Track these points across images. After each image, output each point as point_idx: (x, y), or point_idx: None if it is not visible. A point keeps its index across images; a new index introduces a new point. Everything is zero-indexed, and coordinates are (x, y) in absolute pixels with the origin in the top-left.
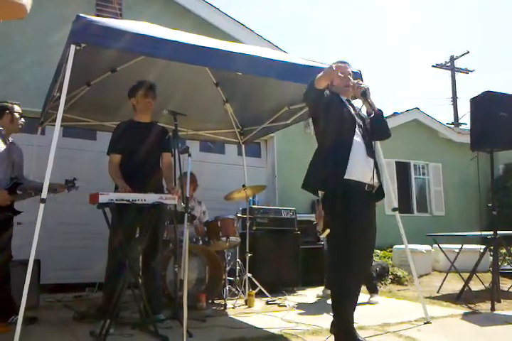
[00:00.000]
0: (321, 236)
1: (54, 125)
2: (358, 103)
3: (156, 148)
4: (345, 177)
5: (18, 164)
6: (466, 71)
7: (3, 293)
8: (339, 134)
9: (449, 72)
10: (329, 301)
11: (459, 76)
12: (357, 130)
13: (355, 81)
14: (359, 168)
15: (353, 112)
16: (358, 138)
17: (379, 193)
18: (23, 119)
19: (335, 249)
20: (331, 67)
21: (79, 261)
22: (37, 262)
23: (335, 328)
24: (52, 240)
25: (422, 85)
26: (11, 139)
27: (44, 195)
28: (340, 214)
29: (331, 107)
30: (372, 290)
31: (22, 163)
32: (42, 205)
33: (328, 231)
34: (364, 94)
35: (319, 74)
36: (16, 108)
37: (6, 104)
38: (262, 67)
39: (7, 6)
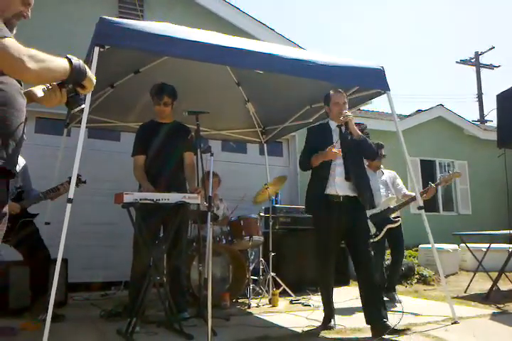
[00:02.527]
0: (373, 241)
1: (79, 126)
2: None
3: (179, 148)
4: (325, 192)
5: (21, 175)
6: (492, 67)
7: (42, 291)
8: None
9: (474, 68)
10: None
11: (484, 72)
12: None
13: (344, 111)
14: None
15: (335, 139)
16: (338, 160)
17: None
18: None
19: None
20: (334, 152)
21: (105, 260)
22: (64, 261)
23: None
24: (79, 240)
25: (446, 82)
26: None
27: (71, 194)
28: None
29: (318, 137)
30: (390, 289)
31: (26, 173)
32: (69, 205)
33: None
34: (346, 124)
35: (320, 156)
36: None
37: None
38: (283, 65)
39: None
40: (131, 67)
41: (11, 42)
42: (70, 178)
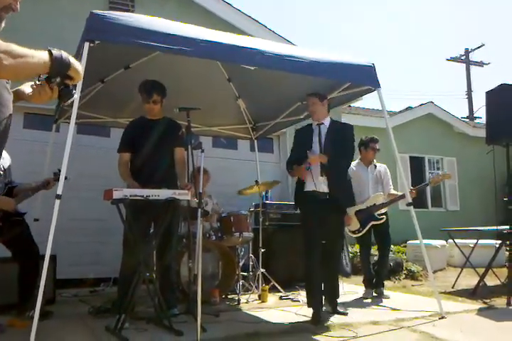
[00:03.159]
0: (355, 236)
1: (68, 122)
2: None
3: (168, 143)
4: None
5: (7, 169)
6: (481, 64)
7: (31, 287)
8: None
9: (464, 65)
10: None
11: (474, 69)
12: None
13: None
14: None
15: (315, 139)
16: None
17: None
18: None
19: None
20: (303, 170)
21: (94, 257)
22: (53, 257)
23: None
24: (67, 236)
25: (436, 79)
26: None
27: (60, 191)
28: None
29: (302, 138)
30: (379, 285)
31: (10, 168)
32: (57, 201)
33: (364, 231)
34: None
35: (295, 171)
36: None
37: None
38: (274, 60)
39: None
40: (122, 63)
41: None
42: (54, 173)
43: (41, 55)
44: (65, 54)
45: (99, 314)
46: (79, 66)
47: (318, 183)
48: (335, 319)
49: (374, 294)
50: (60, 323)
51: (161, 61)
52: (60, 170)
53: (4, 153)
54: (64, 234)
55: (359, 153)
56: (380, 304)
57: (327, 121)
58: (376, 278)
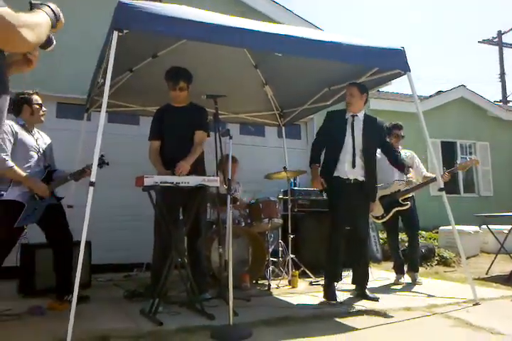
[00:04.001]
0: (380, 222)
1: (99, 111)
2: None
3: (194, 129)
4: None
5: (48, 154)
6: None
7: (67, 272)
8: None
9: (497, 47)
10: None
11: (507, 51)
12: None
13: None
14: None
15: (349, 129)
16: (349, 148)
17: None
18: (44, 108)
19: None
20: (317, 183)
21: (127, 243)
22: (88, 243)
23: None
24: (101, 222)
25: (468, 62)
26: (36, 131)
27: (93, 178)
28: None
29: (333, 124)
30: (413, 269)
31: (52, 153)
32: (91, 188)
33: (388, 217)
34: None
35: (312, 178)
36: (35, 98)
37: (23, 96)
38: (301, 46)
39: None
40: (150, 52)
41: (6, 12)
42: (99, 159)
43: (44, 18)
44: (54, 6)
45: (134, 298)
46: (63, 18)
47: (350, 171)
48: (367, 304)
49: (407, 280)
50: (97, 306)
51: (188, 49)
52: (103, 155)
53: (46, 138)
54: (97, 221)
55: None
56: (412, 290)
57: (361, 114)
58: (409, 263)
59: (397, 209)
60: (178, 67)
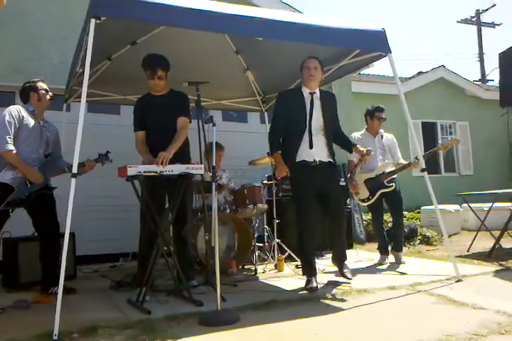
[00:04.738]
0: (365, 204)
1: (79, 101)
2: None
3: (177, 115)
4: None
5: (53, 142)
6: (493, 25)
7: (53, 264)
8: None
9: (475, 27)
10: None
11: (485, 31)
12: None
13: None
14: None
15: (309, 107)
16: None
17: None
18: (50, 93)
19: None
20: (281, 170)
21: (112, 233)
22: (71, 235)
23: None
24: (85, 213)
25: (447, 42)
26: (44, 118)
27: (75, 170)
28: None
29: (291, 103)
30: (398, 249)
31: (58, 141)
32: (73, 180)
33: (374, 199)
34: None
35: (276, 165)
36: (40, 84)
37: (29, 84)
38: (282, 30)
39: None
40: (128, 39)
41: None
42: (99, 155)
43: None
44: None
45: (120, 288)
46: None
47: (316, 152)
48: (352, 285)
49: (390, 260)
50: (83, 297)
51: (168, 35)
52: (108, 152)
53: (52, 127)
54: (81, 212)
55: (365, 122)
56: (396, 269)
57: (317, 91)
58: (394, 243)
59: (382, 191)
60: (154, 54)
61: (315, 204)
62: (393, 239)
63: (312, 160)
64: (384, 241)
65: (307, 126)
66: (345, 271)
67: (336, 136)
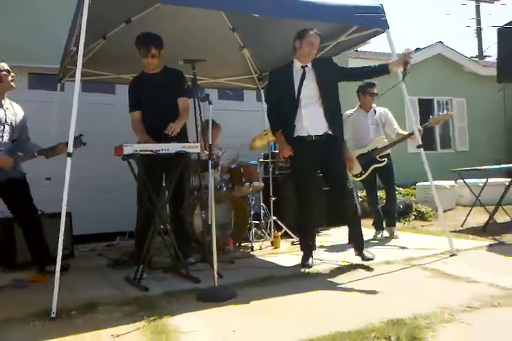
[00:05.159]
0: (358, 180)
1: (73, 81)
2: None
3: (172, 94)
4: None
5: (18, 126)
6: (492, 0)
7: (39, 244)
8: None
9: (473, 2)
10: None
11: (483, 6)
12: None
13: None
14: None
15: (299, 80)
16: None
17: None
18: (12, 74)
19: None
20: (284, 149)
21: (109, 212)
22: (68, 214)
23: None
24: (81, 193)
25: (445, 19)
26: (7, 100)
27: (70, 149)
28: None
29: (281, 78)
30: (391, 224)
31: (24, 124)
32: (69, 159)
33: (366, 174)
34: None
35: (279, 145)
36: (1, 65)
37: None
38: (279, 7)
39: None
40: (123, 17)
41: None
42: (75, 138)
43: None
44: None
45: (117, 266)
46: None
47: (311, 126)
48: (349, 260)
49: (385, 234)
50: (81, 276)
51: (163, 13)
52: (82, 135)
53: (18, 109)
54: (78, 191)
55: (358, 99)
56: (391, 244)
57: (309, 64)
58: (387, 218)
59: (375, 166)
60: (148, 32)
61: (313, 181)
62: (387, 214)
63: (307, 135)
64: (379, 217)
65: (300, 101)
66: (365, 254)
67: (359, 74)
